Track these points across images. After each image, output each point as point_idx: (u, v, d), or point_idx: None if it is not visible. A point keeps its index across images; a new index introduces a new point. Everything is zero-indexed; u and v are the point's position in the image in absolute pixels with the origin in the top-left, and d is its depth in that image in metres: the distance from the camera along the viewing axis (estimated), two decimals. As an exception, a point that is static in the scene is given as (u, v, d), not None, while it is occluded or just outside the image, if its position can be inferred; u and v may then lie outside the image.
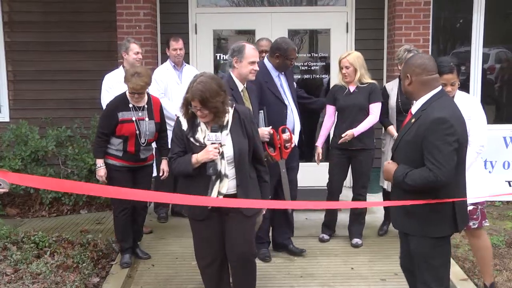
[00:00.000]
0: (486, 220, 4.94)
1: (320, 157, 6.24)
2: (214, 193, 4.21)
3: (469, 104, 4.70)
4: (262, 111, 5.33)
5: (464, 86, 7.84)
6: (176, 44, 6.96)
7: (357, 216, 6.25)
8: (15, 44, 8.16)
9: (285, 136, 5.43)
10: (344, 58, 6.03)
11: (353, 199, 6.28)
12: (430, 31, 7.68)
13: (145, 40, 7.62)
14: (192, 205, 4.28)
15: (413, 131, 3.83)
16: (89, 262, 5.60)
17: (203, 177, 4.17)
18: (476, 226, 4.84)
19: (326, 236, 6.38)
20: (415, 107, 3.95)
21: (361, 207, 6.21)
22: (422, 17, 7.56)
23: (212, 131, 4.14)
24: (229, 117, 4.22)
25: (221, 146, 4.13)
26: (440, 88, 3.92)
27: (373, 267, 5.67)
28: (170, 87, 6.92)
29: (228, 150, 4.19)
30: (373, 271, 5.59)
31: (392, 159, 4.08)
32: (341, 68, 6.08)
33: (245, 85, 5.12)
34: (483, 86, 8.03)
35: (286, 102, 5.73)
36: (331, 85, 8.16)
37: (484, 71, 8.13)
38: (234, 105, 4.30)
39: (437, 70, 3.96)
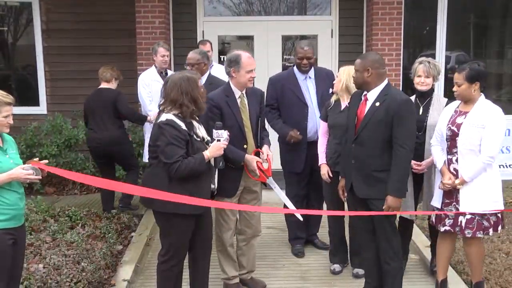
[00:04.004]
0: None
1: (330, 174, 4.85)
2: (215, 185, 4.18)
3: (486, 113, 4.09)
4: (260, 118, 4.63)
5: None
6: (204, 47, 6.82)
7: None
8: (52, 48, 8.23)
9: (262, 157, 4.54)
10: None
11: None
12: (402, 36, 7.72)
13: (160, 44, 7.77)
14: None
15: (382, 112, 4.02)
16: (113, 232, 5.67)
17: (206, 173, 3.99)
18: (491, 234, 4.31)
19: (337, 267, 5.16)
20: (373, 94, 4.10)
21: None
22: (395, 25, 7.62)
23: (217, 128, 4.02)
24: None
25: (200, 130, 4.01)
26: (387, 81, 4.16)
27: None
28: None
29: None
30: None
31: (356, 140, 4.15)
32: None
33: (243, 91, 4.54)
34: (446, 83, 8.08)
35: (308, 103, 5.29)
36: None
37: (447, 71, 8.15)
38: None
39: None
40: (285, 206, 4.94)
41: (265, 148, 4.54)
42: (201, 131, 4.00)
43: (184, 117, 3.87)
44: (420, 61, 4.70)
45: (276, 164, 5.19)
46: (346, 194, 4.48)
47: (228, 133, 4.08)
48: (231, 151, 4.34)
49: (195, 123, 3.96)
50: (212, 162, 4.06)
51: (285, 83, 5.37)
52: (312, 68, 5.42)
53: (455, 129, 4.17)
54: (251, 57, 4.47)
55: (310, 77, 5.38)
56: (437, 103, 4.67)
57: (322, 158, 4.98)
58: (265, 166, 4.50)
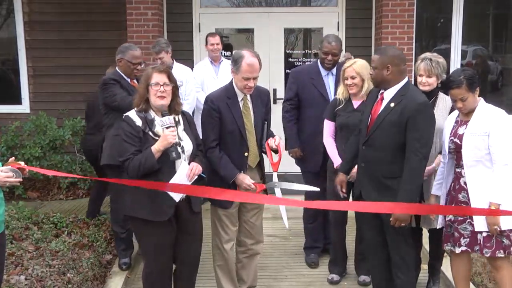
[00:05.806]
0: None
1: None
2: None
3: (487, 118, 3.94)
4: (266, 122, 4.50)
5: (445, 80, 7.93)
6: (213, 39, 6.91)
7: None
8: (35, 42, 8.19)
9: (273, 144, 4.34)
10: (350, 66, 4.80)
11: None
12: (414, 29, 7.66)
13: (153, 38, 7.56)
14: (154, 205, 3.83)
15: (397, 113, 3.96)
16: (102, 241, 5.63)
17: (165, 172, 3.85)
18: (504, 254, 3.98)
19: (336, 277, 5.22)
20: (390, 93, 4.05)
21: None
22: (406, 16, 7.55)
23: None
24: (179, 117, 4.04)
25: (177, 129, 3.90)
26: (407, 78, 4.08)
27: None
28: (206, 81, 6.88)
29: (188, 145, 3.97)
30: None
31: (366, 142, 4.14)
32: (345, 79, 4.87)
33: (247, 94, 4.36)
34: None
35: (329, 99, 5.28)
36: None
37: (462, 67, 7.99)
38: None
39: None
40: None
41: (276, 137, 4.36)
42: (161, 130, 3.87)
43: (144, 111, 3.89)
44: (422, 58, 4.57)
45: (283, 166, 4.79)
46: (345, 191, 4.54)
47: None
48: (224, 167, 4.27)
49: (158, 121, 3.87)
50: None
51: (308, 77, 5.42)
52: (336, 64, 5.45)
53: (458, 141, 4.06)
54: (255, 63, 4.22)
55: (332, 74, 5.43)
56: (442, 104, 4.57)
57: (338, 160, 4.92)
58: (275, 158, 4.33)
